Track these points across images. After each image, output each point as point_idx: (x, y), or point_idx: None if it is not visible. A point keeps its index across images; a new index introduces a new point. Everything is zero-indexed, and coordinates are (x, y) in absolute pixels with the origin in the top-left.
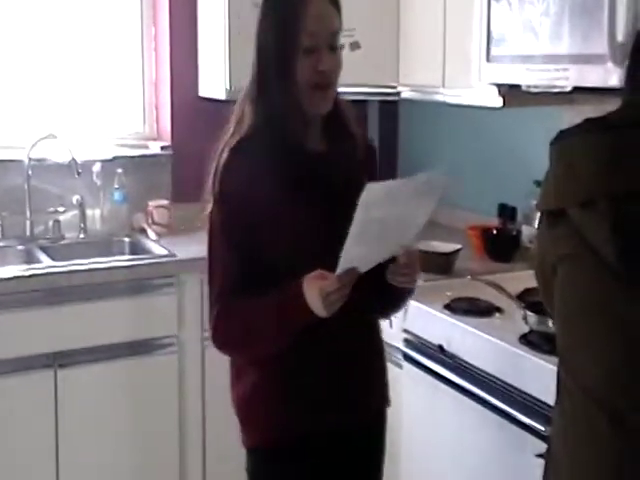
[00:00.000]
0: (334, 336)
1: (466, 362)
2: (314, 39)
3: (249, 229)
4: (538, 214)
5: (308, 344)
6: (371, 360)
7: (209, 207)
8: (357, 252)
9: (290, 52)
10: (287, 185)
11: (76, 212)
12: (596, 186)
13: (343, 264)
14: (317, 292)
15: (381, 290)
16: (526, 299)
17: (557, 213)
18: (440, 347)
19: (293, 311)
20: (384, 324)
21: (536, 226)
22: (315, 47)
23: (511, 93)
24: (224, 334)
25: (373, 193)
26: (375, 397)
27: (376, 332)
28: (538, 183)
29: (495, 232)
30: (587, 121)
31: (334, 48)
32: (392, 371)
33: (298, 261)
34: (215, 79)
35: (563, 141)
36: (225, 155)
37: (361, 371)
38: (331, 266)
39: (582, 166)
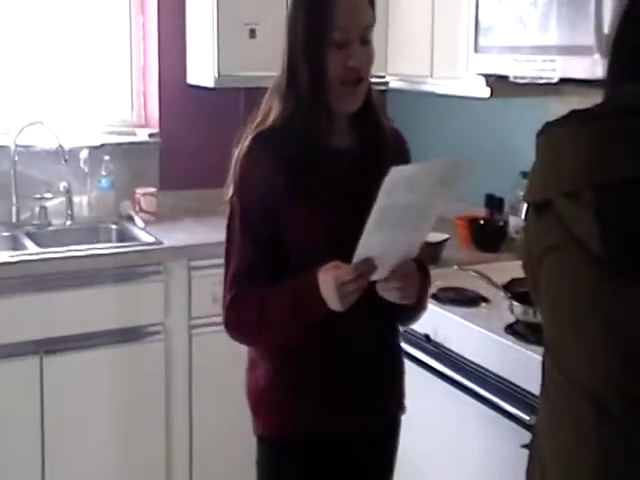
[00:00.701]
0: (351, 337)
1: (452, 351)
2: (345, 33)
3: (266, 217)
4: (525, 205)
5: (324, 342)
6: (387, 364)
7: (229, 192)
8: (376, 240)
9: (320, 47)
10: (306, 181)
11: (63, 199)
12: (581, 177)
13: (361, 252)
14: (332, 282)
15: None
16: (512, 289)
17: (543, 204)
18: (427, 336)
19: (307, 301)
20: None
21: (523, 217)
22: (346, 41)
23: (499, 84)
24: (237, 320)
25: (397, 177)
26: (389, 402)
27: (394, 336)
28: (524, 174)
29: (482, 222)
30: (573, 112)
31: (366, 42)
32: None
33: (313, 256)
34: (203, 66)
35: (549, 132)
36: (247, 143)
37: (376, 374)
38: (347, 262)
39: (567, 157)
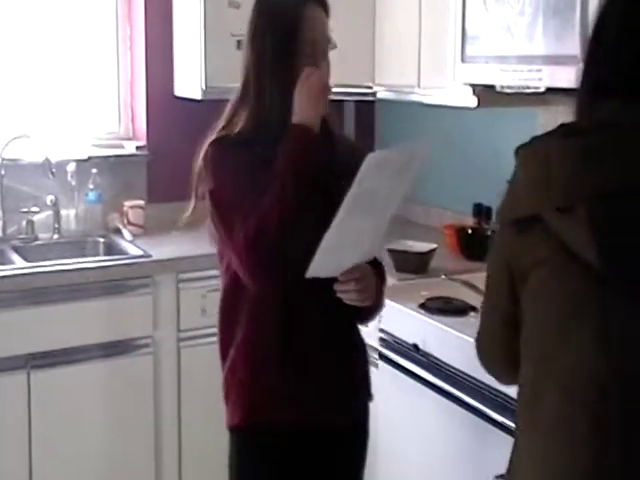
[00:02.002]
0: (317, 330)
1: (441, 361)
2: (313, 47)
3: (252, 185)
4: (498, 223)
5: (293, 335)
6: (353, 354)
7: (192, 203)
8: (346, 227)
9: (290, 60)
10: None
11: (50, 212)
12: (573, 190)
13: (320, 254)
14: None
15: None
16: None
17: (529, 220)
18: (415, 346)
19: (295, 139)
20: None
21: (496, 236)
22: (315, 54)
23: (485, 93)
24: (262, 230)
25: (371, 164)
26: (358, 390)
27: (356, 327)
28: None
29: (470, 231)
30: (561, 126)
31: (326, 55)
32: None
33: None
34: (191, 79)
35: (535, 148)
36: (213, 141)
37: (343, 364)
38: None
39: (559, 170)
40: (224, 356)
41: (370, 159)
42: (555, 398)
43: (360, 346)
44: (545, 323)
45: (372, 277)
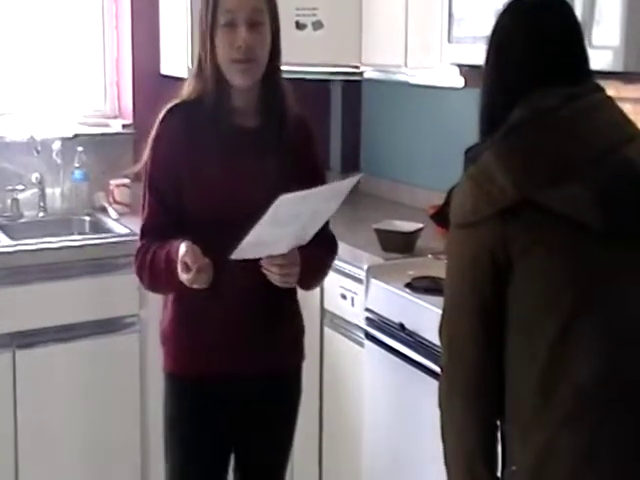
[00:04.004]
0: (240, 289)
1: (427, 340)
2: (231, 15)
3: (170, 181)
4: (473, 218)
5: (215, 294)
6: (278, 315)
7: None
8: (262, 238)
9: (210, 29)
10: (208, 151)
11: (35, 190)
12: (560, 161)
13: (245, 244)
14: (179, 259)
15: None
16: None
17: (513, 208)
18: (401, 325)
19: (174, 269)
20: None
21: (457, 232)
22: (232, 23)
23: (472, 73)
24: (137, 269)
25: (284, 202)
26: (281, 350)
27: (285, 290)
28: None
29: None
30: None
31: (255, 24)
32: (353, 349)
33: (207, 221)
34: (177, 57)
35: (510, 139)
36: (161, 114)
37: (265, 322)
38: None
39: (541, 146)
40: (164, 307)
41: (280, 201)
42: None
43: (288, 308)
44: (546, 308)
45: (297, 265)
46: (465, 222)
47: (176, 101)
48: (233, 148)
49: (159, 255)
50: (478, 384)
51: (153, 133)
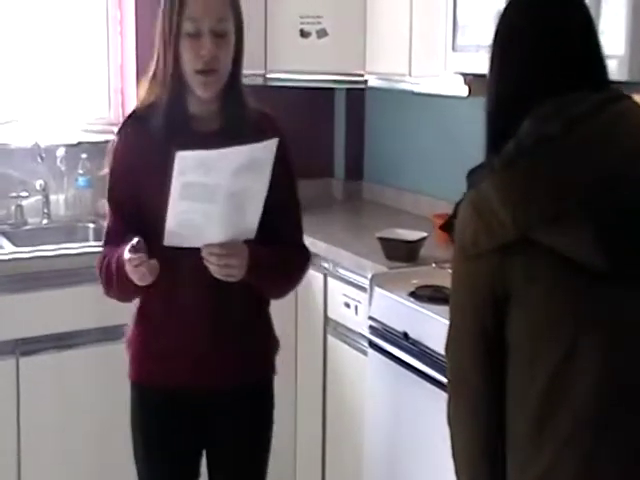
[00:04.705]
0: (196, 302)
1: (430, 349)
2: (196, 25)
3: (128, 189)
4: (472, 252)
5: (172, 306)
6: (239, 328)
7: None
8: (182, 212)
9: (174, 36)
10: (165, 158)
11: (39, 197)
12: (558, 196)
13: (169, 224)
14: (123, 257)
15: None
16: None
17: (511, 244)
18: (405, 334)
19: (123, 271)
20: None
21: (458, 258)
22: (198, 33)
23: (477, 82)
24: (98, 275)
25: (185, 160)
26: (243, 361)
27: (246, 301)
28: None
29: None
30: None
31: (219, 35)
32: (357, 358)
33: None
34: None
35: (507, 170)
36: (121, 123)
37: (224, 334)
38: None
39: (541, 181)
40: (132, 316)
41: (180, 156)
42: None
43: (258, 324)
44: (553, 335)
45: (240, 257)
46: (465, 253)
47: (133, 109)
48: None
49: (111, 259)
50: (481, 411)
51: (112, 144)
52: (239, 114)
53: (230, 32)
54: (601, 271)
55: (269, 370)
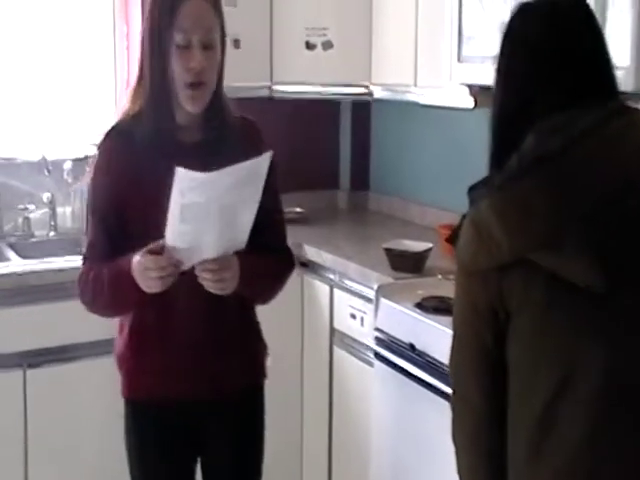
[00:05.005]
0: (191, 313)
1: (436, 360)
2: (186, 37)
3: (112, 203)
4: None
5: (168, 316)
6: (233, 336)
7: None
8: (181, 233)
9: (163, 49)
10: (151, 172)
11: (46, 210)
12: (556, 221)
13: (168, 243)
14: (137, 267)
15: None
16: None
17: (509, 265)
18: (411, 345)
19: (122, 282)
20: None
21: (460, 275)
22: (188, 44)
23: (482, 94)
24: (81, 292)
25: (184, 179)
26: (239, 372)
27: (238, 309)
28: None
29: None
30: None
31: (208, 47)
32: (363, 369)
33: (154, 239)
34: None
35: (505, 192)
36: (103, 135)
37: (219, 344)
38: None
39: (539, 204)
40: (119, 332)
41: (180, 174)
42: (574, 427)
43: (243, 328)
44: (552, 358)
45: (232, 270)
46: (465, 269)
47: (115, 122)
48: (175, 163)
49: (102, 270)
50: (482, 431)
51: (94, 158)
52: (223, 123)
53: (217, 44)
54: (600, 292)
55: (262, 375)
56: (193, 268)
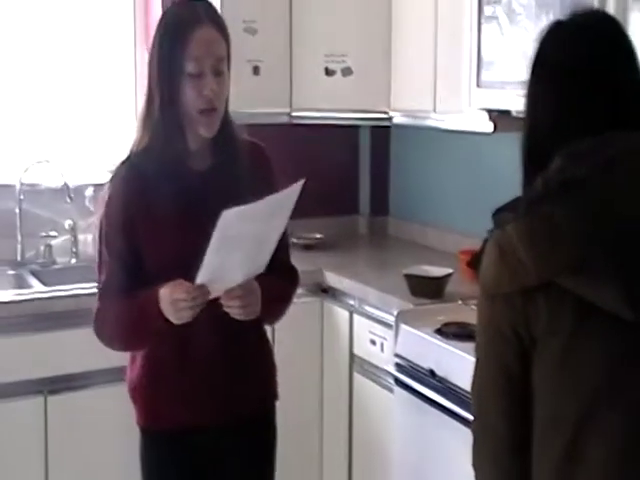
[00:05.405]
0: (209, 339)
1: (457, 386)
2: (198, 64)
3: (126, 236)
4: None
5: (185, 343)
6: (250, 360)
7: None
8: (216, 265)
9: (174, 77)
10: (165, 202)
11: (68, 237)
12: (584, 245)
13: (202, 275)
14: (167, 298)
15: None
16: None
17: (534, 289)
18: (431, 371)
19: (147, 314)
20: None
21: (482, 298)
22: (199, 72)
23: (502, 118)
24: (99, 329)
25: (228, 219)
26: (256, 395)
27: (254, 333)
28: None
29: None
30: (535, 193)
31: (219, 73)
32: (383, 395)
33: (165, 272)
34: None
35: (529, 216)
36: (114, 168)
37: (236, 370)
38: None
39: (566, 228)
40: (131, 362)
41: (225, 216)
42: (602, 457)
43: (260, 352)
44: (579, 385)
45: (257, 294)
46: (488, 293)
47: (125, 156)
48: (188, 192)
49: (126, 307)
50: (507, 458)
51: (105, 193)
52: (233, 148)
53: (226, 69)
54: (628, 319)
55: (274, 398)
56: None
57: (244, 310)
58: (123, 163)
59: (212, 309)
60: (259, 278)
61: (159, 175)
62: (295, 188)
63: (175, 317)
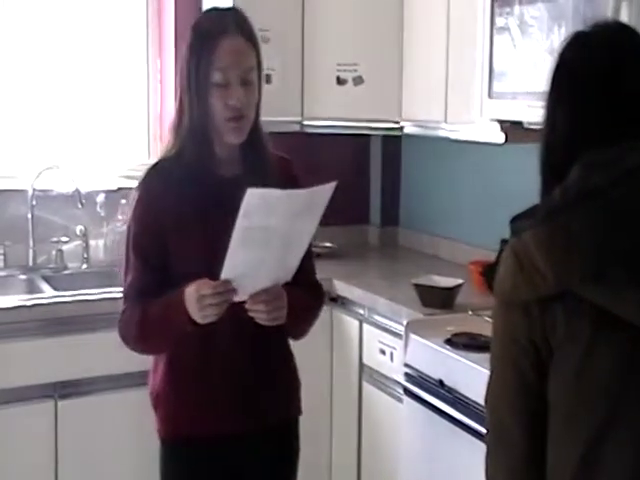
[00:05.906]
0: (233, 346)
1: (466, 397)
2: (225, 75)
3: (155, 239)
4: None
5: (207, 351)
6: (273, 370)
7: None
8: (240, 259)
9: (202, 86)
10: (193, 206)
11: (79, 242)
12: (602, 254)
13: (226, 270)
14: (193, 294)
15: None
16: None
17: (551, 298)
18: (440, 382)
19: (173, 313)
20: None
21: (498, 306)
22: (226, 83)
23: (513, 129)
24: (125, 331)
25: (253, 199)
26: (279, 405)
27: (278, 343)
28: None
29: (497, 267)
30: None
31: (247, 83)
32: (392, 405)
33: (195, 278)
34: None
35: (547, 226)
36: (144, 173)
37: (262, 380)
38: None
39: (585, 237)
40: (154, 370)
41: (250, 194)
42: (619, 467)
43: (282, 361)
44: (596, 395)
45: (283, 299)
46: (505, 301)
47: (156, 159)
48: (216, 199)
49: (151, 309)
50: (522, 469)
51: (135, 195)
52: (262, 157)
53: (255, 79)
54: None
55: (298, 411)
56: (240, 302)
57: (269, 315)
58: (152, 167)
59: (237, 313)
60: (285, 287)
61: (187, 181)
62: (327, 188)
63: (200, 315)
